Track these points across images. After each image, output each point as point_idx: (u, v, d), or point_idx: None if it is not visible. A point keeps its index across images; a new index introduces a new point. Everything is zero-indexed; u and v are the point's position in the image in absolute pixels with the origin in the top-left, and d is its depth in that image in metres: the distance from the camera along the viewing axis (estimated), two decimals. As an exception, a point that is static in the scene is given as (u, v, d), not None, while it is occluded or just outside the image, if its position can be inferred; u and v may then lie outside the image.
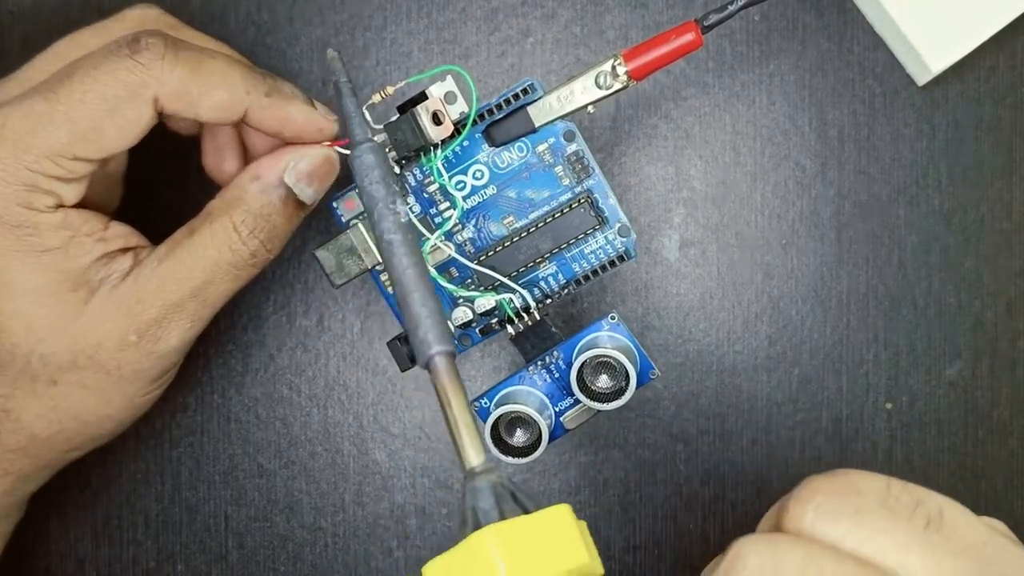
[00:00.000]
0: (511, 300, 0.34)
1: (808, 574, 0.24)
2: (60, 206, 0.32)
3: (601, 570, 0.25)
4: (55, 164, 0.31)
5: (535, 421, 0.33)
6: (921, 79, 0.40)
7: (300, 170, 0.33)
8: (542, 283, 0.35)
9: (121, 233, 0.34)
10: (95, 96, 0.31)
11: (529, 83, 0.33)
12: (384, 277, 0.35)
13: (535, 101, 0.34)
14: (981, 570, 0.25)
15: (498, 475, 0.25)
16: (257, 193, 0.34)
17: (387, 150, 0.33)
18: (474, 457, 0.25)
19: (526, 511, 0.24)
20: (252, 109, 0.33)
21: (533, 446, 0.33)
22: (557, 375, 0.34)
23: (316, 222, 0.40)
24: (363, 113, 0.32)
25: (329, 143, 0.34)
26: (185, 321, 0.33)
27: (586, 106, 0.33)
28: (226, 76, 0.32)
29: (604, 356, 0.33)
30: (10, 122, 0.31)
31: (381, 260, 0.33)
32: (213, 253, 0.33)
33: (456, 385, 0.26)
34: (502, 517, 0.24)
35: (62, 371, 0.33)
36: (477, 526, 0.24)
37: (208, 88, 0.32)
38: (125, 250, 0.34)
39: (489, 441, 0.33)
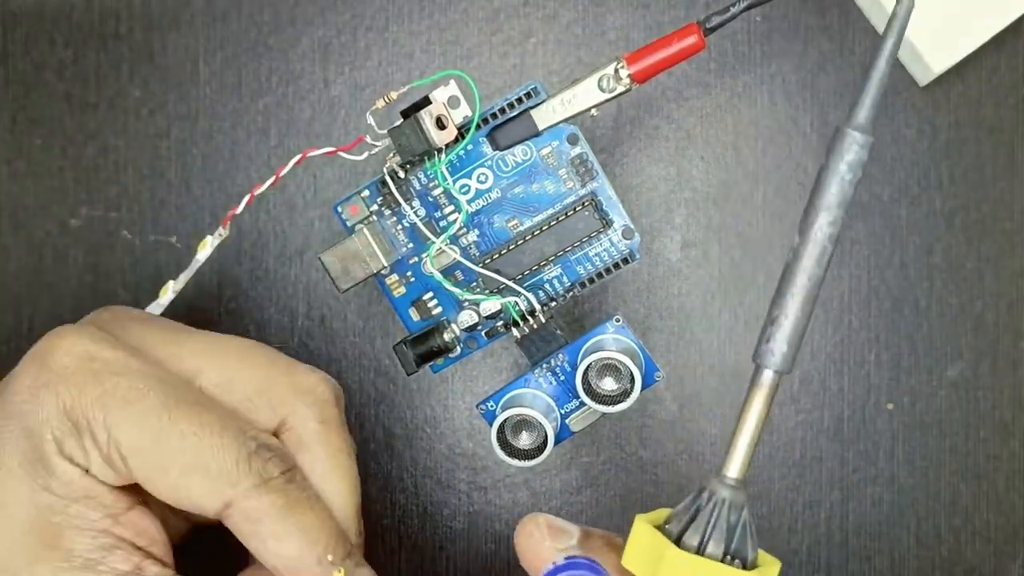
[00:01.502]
0: (516, 303, 0.34)
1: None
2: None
3: None
4: None
5: (541, 424, 0.33)
6: (923, 79, 0.40)
7: None
8: (547, 286, 0.35)
9: (143, 528, 0.30)
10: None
11: (532, 87, 0.33)
12: (389, 280, 0.35)
13: (538, 105, 0.34)
14: None
15: (744, 501, 0.27)
16: None
17: (390, 155, 0.33)
18: (735, 469, 0.28)
19: (744, 560, 0.27)
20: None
21: (539, 449, 0.33)
22: (563, 378, 0.34)
23: (320, 225, 0.40)
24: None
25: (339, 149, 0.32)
26: None
27: (589, 109, 0.34)
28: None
29: (609, 359, 0.33)
30: None
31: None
32: None
33: (766, 403, 0.28)
34: (726, 552, 0.27)
35: None
36: (701, 545, 0.27)
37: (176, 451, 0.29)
38: (135, 548, 0.30)
39: (495, 444, 0.33)
